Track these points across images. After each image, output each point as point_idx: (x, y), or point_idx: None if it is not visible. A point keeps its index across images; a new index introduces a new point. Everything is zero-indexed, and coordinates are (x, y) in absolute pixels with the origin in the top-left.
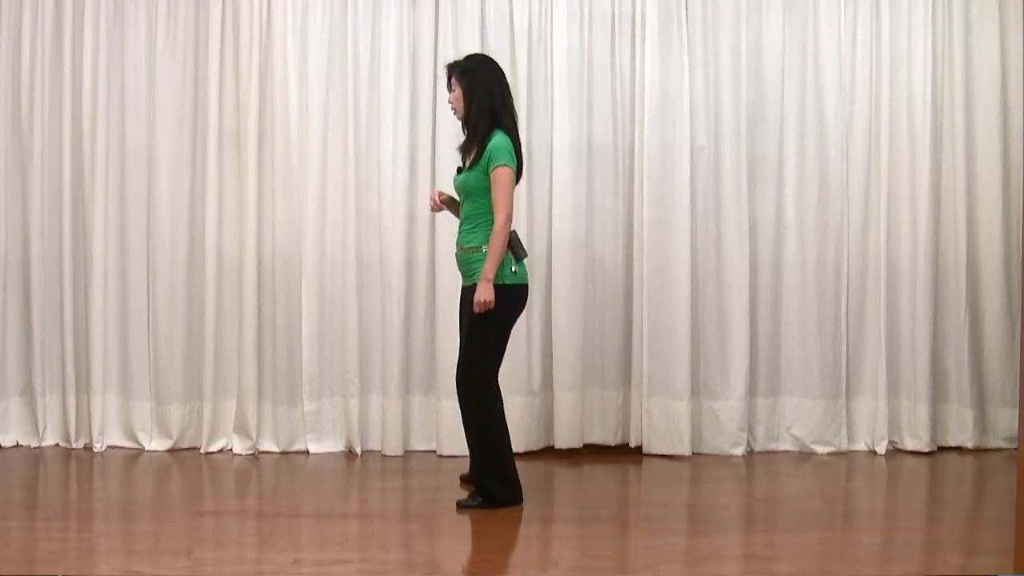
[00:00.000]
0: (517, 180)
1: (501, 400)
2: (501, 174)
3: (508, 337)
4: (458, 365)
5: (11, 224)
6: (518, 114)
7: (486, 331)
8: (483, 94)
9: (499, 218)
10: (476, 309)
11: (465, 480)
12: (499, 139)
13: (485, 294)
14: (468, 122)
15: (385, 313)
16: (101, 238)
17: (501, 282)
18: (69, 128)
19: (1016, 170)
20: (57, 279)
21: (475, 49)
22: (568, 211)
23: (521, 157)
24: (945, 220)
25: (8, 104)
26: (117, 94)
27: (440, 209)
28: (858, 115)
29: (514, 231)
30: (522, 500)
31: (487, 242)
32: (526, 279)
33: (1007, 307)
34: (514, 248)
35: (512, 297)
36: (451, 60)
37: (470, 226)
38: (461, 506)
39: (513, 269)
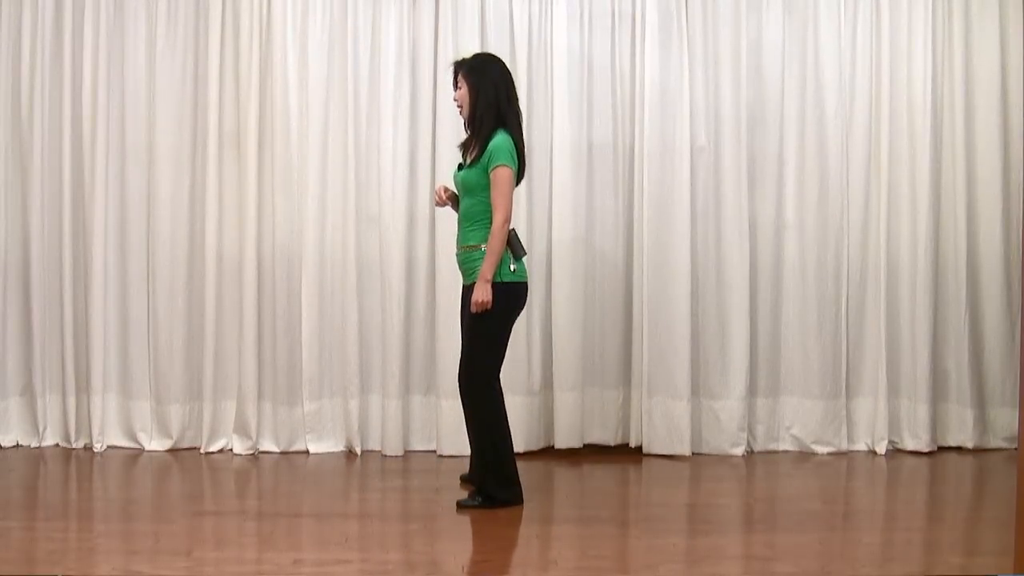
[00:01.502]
0: (518, 181)
1: (503, 402)
2: (501, 174)
3: (509, 335)
4: (460, 364)
5: (11, 224)
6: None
7: (486, 330)
8: (490, 92)
9: (498, 218)
10: (473, 309)
11: (465, 480)
12: (501, 139)
13: (483, 295)
14: (473, 119)
15: (385, 313)
16: (101, 238)
17: (500, 280)
18: (69, 128)
19: (1016, 170)
20: (57, 279)
21: (475, 49)
22: (568, 211)
23: (523, 158)
24: (945, 220)
25: (8, 104)
26: (117, 94)
27: (445, 204)
28: (858, 115)
29: (513, 229)
30: (523, 500)
31: (485, 240)
32: (525, 277)
33: (1007, 307)
34: (513, 247)
35: (511, 295)
36: (456, 59)
37: (468, 224)
38: (461, 506)
39: (512, 267)
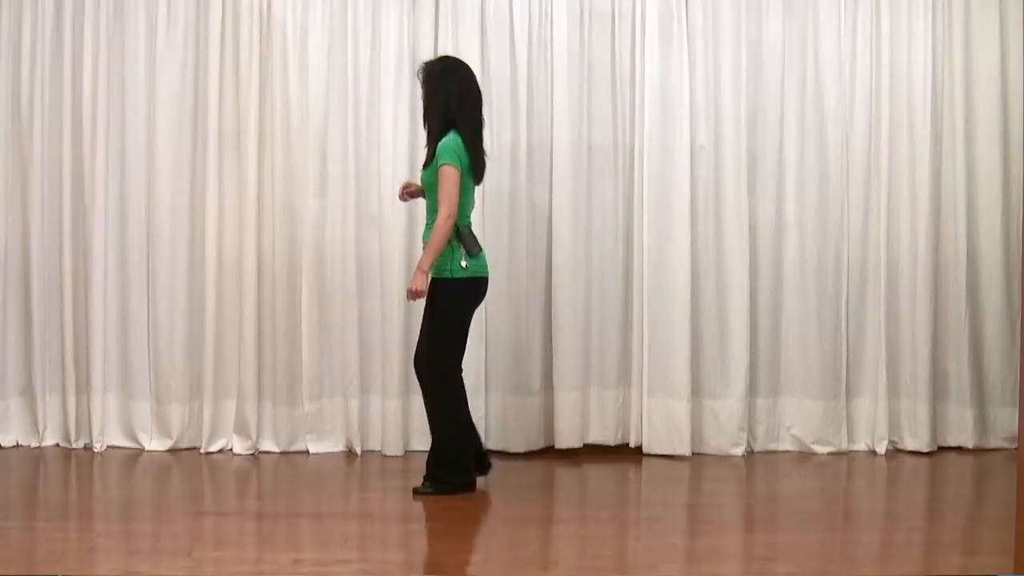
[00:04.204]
0: (479, 181)
1: (463, 392)
2: (445, 172)
3: (466, 330)
4: (420, 355)
5: (11, 224)
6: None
7: (444, 325)
8: (439, 96)
9: (441, 213)
10: (408, 297)
11: (418, 492)
12: (447, 139)
13: (417, 284)
14: (425, 123)
15: (385, 313)
16: (101, 238)
17: (451, 276)
18: (69, 128)
19: (1016, 170)
20: (57, 279)
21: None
22: (568, 211)
23: (476, 157)
24: (945, 220)
25: (8, 104)
26: (117, 94)
27: (407, 199)
28: (858, 115)
29: (468, 226)
30: (473, 487)
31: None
32: (481, 272)
33: (1007, 307)
34: (466, 243)
35: (463, 291)
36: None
37: (430, 221)
38: (417, 493)
39: (463, 264)
